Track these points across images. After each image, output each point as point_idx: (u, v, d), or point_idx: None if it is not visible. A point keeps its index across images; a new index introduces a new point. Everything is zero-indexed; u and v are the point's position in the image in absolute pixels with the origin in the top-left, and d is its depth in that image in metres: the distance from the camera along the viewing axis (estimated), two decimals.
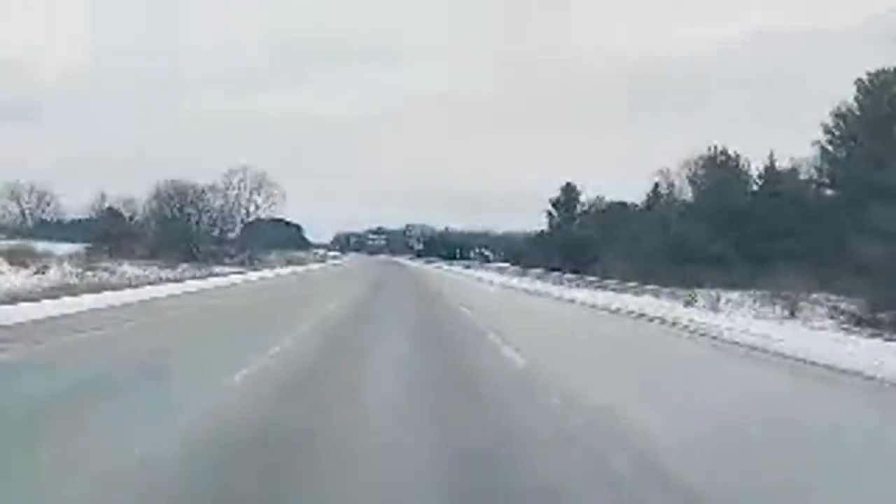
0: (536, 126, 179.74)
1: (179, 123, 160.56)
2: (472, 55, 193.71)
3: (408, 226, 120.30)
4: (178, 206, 55.39)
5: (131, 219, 58.07)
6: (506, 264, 62.39)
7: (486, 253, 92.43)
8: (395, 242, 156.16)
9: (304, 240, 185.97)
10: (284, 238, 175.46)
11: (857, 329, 21.84)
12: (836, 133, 44.97)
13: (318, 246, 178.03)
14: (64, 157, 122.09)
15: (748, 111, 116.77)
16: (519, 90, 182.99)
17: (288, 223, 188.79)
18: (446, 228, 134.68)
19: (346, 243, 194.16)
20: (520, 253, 67.89)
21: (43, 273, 25.25)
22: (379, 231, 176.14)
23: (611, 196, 66.45)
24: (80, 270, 27.57)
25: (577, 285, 42.49)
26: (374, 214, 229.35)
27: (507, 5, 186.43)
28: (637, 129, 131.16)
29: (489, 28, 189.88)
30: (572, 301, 30.77)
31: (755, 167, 52.22)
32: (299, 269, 54.53)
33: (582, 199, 70.27)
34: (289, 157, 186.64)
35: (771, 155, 50.67)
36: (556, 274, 49.86)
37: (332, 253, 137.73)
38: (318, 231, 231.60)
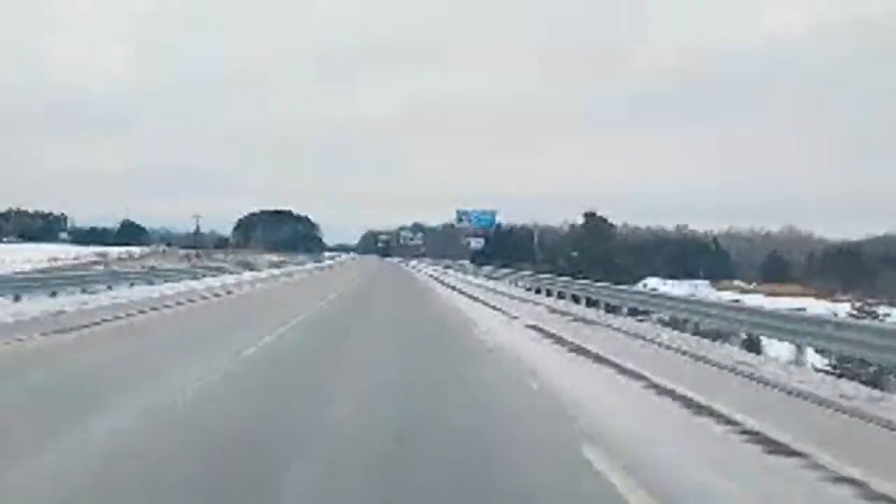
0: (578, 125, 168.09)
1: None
2: (514, 56, 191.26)
3: (459, 214, 76.88)
4: None
5: None
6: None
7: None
8: (438, 242, 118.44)
9: (317, 239, 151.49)
10: (293, 237, 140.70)
11: None
12: None
13: (338, 248, 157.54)
14: None
15: None
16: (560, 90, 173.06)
17: (299, 218, 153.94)
18: (499, 225, 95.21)
19: (374, 244, 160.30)
20: None
21: None
22: (415, 228, 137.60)
23: None
24: None
25: None
26: (409, 213, 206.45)
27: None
28: None
29: (531, 29, 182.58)
30: None
31: None
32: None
33: None
34: (316, 155, 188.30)
35: None
36: None
37: (330, 254, 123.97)
38: (344, 230, 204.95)
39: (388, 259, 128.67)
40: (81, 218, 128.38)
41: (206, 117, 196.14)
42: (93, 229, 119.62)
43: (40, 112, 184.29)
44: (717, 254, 73.82)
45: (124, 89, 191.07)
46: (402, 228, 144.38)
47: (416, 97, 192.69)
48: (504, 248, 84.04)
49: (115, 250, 72.04)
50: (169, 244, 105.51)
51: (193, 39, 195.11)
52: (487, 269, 47.94)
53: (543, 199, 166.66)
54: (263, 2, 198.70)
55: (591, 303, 21.84)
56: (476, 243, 74.70)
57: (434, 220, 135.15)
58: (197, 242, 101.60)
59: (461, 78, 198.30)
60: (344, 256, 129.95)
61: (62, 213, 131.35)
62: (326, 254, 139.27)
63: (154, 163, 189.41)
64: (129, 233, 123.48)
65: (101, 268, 41.98)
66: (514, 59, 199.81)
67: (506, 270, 41.89)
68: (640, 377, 9.28)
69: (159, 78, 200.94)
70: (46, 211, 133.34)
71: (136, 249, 78.16)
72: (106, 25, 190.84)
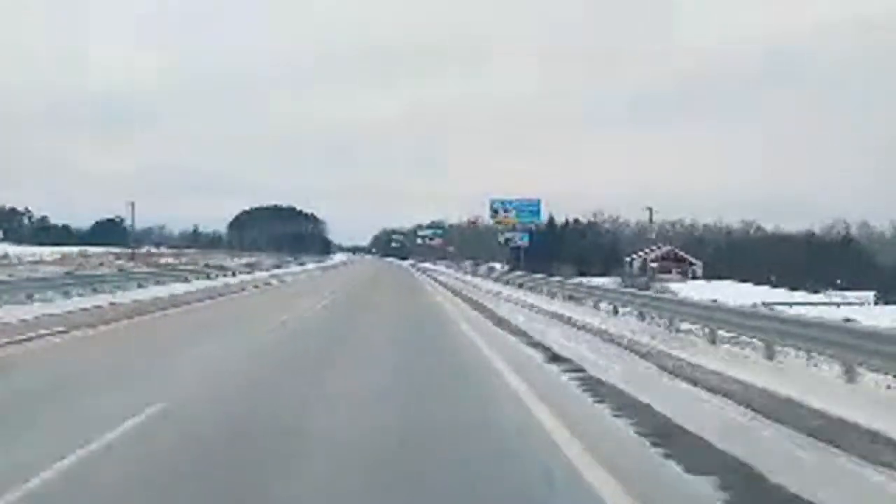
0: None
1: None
2: (514, 55, 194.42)
3: (494, 205, 55.62)
4: None
5: None
6: None
7: None
8: (463, 241, 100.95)
9: (323, 238, 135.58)
10: (296, 235, 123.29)
11: None
12: None
13: (348, 249, 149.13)
14: None
15: None
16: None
17: (303, 215, 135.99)
18: (551, 218, 76.42)
19: (388, 243, 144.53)
20: None
21: None
22: (433, 226, 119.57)
23: None
24: None
25: None
26: (419, 211, 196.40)
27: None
28: None
29: (531, 29, 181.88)
30: None
31: None
32: None
33: None
34: (318, 155, 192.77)
35: None
36: None
37: (336, 255, 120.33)
38: (356, 229, 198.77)
39: (399, 262, 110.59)
40: (81, 219, 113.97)
41: (205, 117, 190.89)
42: (53, 227, 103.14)
43: (39, 112, 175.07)
44: (851, 257, 54.44)
45: (124, 89, 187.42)
46: (419, 227, 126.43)
47: (416, 97, 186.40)
48: (554, 249, 64.55)
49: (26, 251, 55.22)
50: (168, 246, 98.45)
51: (193, 39, 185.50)
52: (556, 279, 28.93)
53: (545, 199, 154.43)
54: (263, 2, 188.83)
55: None
56: (519, 241, 55.35)
57: (453, 217, 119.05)
58: (129, 237, 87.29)
59: (461, 78, 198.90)
60: (338, 258, 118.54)
61: (26, 209, 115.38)
62: (337, 255, 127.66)
63: (154, 163, 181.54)
64: (107, 232, 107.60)
65: None
66: (514, 59, 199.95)
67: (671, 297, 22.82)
68: None
69: (159, 78, 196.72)
70: (9, 207, 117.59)
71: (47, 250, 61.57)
72: (106, 25, 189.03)
